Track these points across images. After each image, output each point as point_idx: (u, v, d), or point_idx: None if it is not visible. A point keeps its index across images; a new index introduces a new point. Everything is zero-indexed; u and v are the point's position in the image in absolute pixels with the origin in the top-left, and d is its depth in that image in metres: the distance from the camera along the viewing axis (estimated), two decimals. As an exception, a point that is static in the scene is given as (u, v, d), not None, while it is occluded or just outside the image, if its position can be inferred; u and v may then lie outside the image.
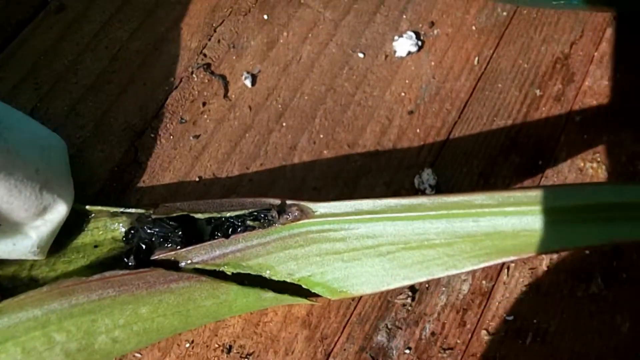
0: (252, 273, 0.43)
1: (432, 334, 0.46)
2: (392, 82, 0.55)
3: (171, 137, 0.53)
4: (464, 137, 0.53)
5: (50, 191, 0.43)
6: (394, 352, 0.46)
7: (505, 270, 0.48)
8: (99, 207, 0.46)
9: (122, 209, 0.46)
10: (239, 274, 0.44)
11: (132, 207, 0.46)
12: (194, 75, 0.55)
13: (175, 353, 0.45)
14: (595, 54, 0.56)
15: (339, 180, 0.51)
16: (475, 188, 0.51)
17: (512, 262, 0.48)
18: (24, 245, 0.43)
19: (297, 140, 0.53)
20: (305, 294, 0.44)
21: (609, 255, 0.48)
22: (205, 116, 0.53)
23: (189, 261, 0.43)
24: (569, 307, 0.47)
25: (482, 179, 0.51)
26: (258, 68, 0.55)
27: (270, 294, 0.43)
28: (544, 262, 0.48)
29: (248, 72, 0.55)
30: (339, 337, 0.46)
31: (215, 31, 0.57)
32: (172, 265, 0.43)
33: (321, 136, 0.53)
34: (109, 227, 0.46)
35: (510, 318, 0.47)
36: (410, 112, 0.54)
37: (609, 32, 0.57)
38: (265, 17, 0.58)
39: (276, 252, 0.43)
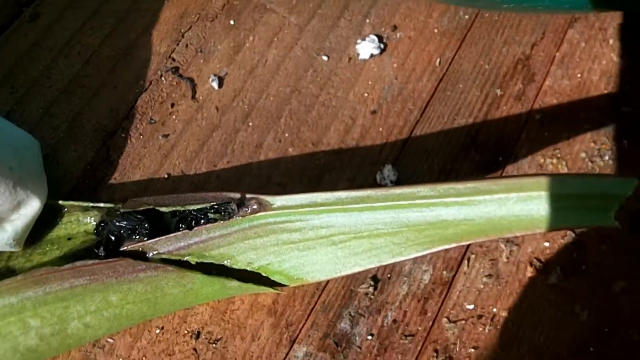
0: (215, 262, 0.47)
1: (394, 321, 0.50)
2: (355, 83, 0.59)
3: (141, 136, 0.57)
4: (425, 135, 0.57)
5: (24, 187, 0.47)
6: (357, 338, 0.49)
7: (466, 261, 0.51)
8: (71, 202, 0.50)
9: (92, 204, 0.50)
10: (206, 265, 0.48)
11: (102, 202, 0.50)
12: (162, 79, 0.59)
13: (146, 338, 0.49)
14: (557, 54, 0.60)
15: (304, 177, 0.55)
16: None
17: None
18: (0, 238, 0.47)
19: (263, 139, 0.57)
20: (269, 283, 0.48)
21: (569, 248, 0.52)
22: (174, 117, 0.58)
23: (155, 252, 0.48)
24: (528, 296, 0.50)
25: (442, 175, 0.55)
26: (225, 71, 0.60)
27: (234, 283, 0.47)
28: (504, 254, 0.52)
29: (215, 75, 0.59)
30: (304, 324, 0.50)
31: (183, 36, 0.62)
32: (140, 256, 0.47)
33: (286, 135, 0.57)
34: (81, 221, 0.50)
35: (471, 307, 0.50)
36: (373, 112, 0.58)
37: (570, 33, 0.61)
38: (232, 22, 0.62)
39: (237, 242, 0.47)
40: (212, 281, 0.47)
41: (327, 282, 0.51)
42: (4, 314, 0.45)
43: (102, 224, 0.49)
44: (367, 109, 0.58)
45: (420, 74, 0.60)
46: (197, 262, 0.48)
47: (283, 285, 0.48)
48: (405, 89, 0.59)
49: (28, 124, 0.57)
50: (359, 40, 0.61)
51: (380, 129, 0.57)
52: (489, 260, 0.52)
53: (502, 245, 0.52)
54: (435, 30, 0.62)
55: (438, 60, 0.60)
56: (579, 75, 0.59)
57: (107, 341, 0.49)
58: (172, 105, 0.58)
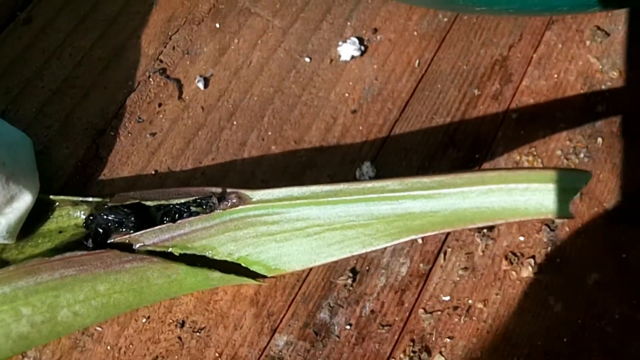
0: (197, 253, 0.50)
1: (372, 312, 0.52)
2: (336, 84, 0.62)
3: (129, 134, 0.60)
4: (404, 134, 0.59)
5: (17, 182, 0.50)
6: (336, 327, 0.51)
7: (443, 254, 0.53)
8: (62, 197, 0.53)
9: (82, 198, 0.52)
10: (190, 257, 0.50)
11: (91, 197, 0.53)
12: (150, 79, 0.62)
13: (132, 327, 0.52)
14: (534, 55, 0.62)
15: (286, 174, 0.57)
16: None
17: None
18: (-6, 231, 0.50)
19: (247, 137, 0.59)
20: (250, 274, 0.50)
21: (544, 242, 0.54)
22: (161, 116, 0.61)
23: (141, 244, 0.50)
24: (503, 288, 0.52)
25: (420, 172, 0.57)
26: (210, 72, 0.63)
27: (217, 274, 0.49)
28: (480, 247, 0.53)
29: (201, 76, 0.62)
30: (285, 314, 0.52)
31: (170, 39, 0.64)
32: (126, 248, 0.50)
33: (269, 133, 0.60)
34: (72, 215, 0.53)
35: (447, 298, 0.52)
36: (354, 111, 0.60)
37: (548, 35, 0.63)
38: (218, 25, 0.65)
39: (218, 234, 0.50)
40: (196, 272, 0.50)
41: (308, 274, 0.53)
42: (-3, 303, 0.47)
43: (91, 218, 0.52)
44: (348, 109, 0.60)
45: (399, 75, 0.62)
46: (180, 254, 0.50)
47: (263, 276, 0.51)
48: (385, 89, 0.61)
49: (22, 123, 0.59)
50: (340, 43, 0.63)
51: (361, 128, 0.59)
52: (465, 254, 0.54)
53: (478, 240, 0.54)
54: (415, 33, 0.64)
55: (417, 61, 0.63)
56: (555, 75, 0.61)
57: (95, 329, 0.52)
58: (160, 104, 0.61)
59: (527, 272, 0.53)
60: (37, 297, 0.49)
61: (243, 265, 0.51)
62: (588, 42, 0.64)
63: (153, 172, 0.58)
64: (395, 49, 0.64)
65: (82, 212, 0.53)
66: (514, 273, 0.53)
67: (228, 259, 0.50)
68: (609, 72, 0.62)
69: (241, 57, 0.64)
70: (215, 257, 0.50)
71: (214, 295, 0.53)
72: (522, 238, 0.54)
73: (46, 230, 0.53)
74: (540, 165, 0.57)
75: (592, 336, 0.51)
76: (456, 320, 0.52)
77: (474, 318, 0.52)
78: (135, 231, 0.51)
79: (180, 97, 0.62)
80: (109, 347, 0.52)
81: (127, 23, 0.66)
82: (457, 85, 0.62)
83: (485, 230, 0.55)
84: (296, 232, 0.50)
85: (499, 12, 0.59)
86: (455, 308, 0.52)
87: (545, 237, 0.55)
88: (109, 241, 0.51)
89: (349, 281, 0.53)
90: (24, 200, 0.51)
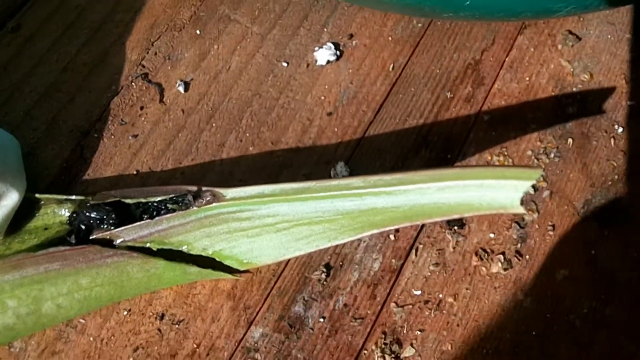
0: (174, 248, 0.52)
1: (345, 305, 0.54)
2: (313, 87, 0.64)
3: (112, 136, 0.62)
4: (378, 135, 0.61)
5: (4, 181, 0.52)
6: (310, 320, 0.53)
7: (414, 250, 0.55)
8: (47, 196, 0.55)
9: (66, 197, 0.55)
10: (168, 252, 0.53)
11: (75, 195, 0.55)
12: (133, 84, 0.65)
13: (114, 319, 0.54)
14: (506, 59, 0.65)
15: (263, 174, 0.60)
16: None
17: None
18: (-19, 228, 0.52)
19: (226, 138, 0.62)
20: (226, 269, 0.53)
21: (513, 239, 0.56)
22: (143, 118, 0.63)
23: (121, 240, 0.53)
24: (473, 283, 0.54)
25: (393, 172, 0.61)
26: (191, 76, 0.65)
27: (194, 269, 0.52)
28: (451, 244, 0.56)
29: (182, 80, 0.65)
30: (261, 308, 0.54)
31: (152, 45, 0.67)
32: (107, 243, 0.53)
33: (247, 135, 0.62)
34: (56, 213, 0.55)
35: (418, 292, 0.53)
36: (329, 114, 0.63)
37: (520, 39, 0.66)
38: (198, 32, 0.68)
39: (193, 230, 0.52)
40: (174, 267, 0.53)
41: (283, 269, 0.56)
42: (-16, 296, 0.50)
43: (74, 215, 0.54)
44: (324, 111, 0.63)
45: (374, 79, 0.65)
46: (158, 249, 0.53)
47: (238, 271, 0.54)
48: (360, 92, 0.64)
49: (10, 125, 0.62)
50: (316, 48, 0.66)
51: (336, 129, 0.62)
52: (436, 250, 0.56)
53: (449, 236, 0.56)
54: (390, 38, 0.67)
55: (392, 65, 0.65)
56: (527, 78, 0.64)
57: (79, 321, 0.54)
58: (142, 108, 0.64)
59: (496, 267, 0.55)
60: (22, 290, 0.51)
61: (217, 259, 0.54)
62: (560, 46, 0.66)
63: (135, 172, 0.61)
64: (370, 54, 0.66)
65: (67, 210, 0.56)
66: (484, 269, 0.55)
67: (203, 254, 0.53)
68: (580, 74, 0.65)
69: (221, 62, 0.67)
70: (191, 252, 0.53)
71: (193, 289, 0.55)
72: (492, 235, 0.57)
73: (32, 227, 0.56)
74: (511, 164, 0.59)
75: (560, 330, 0.53)
76: (427, 313, 0.54)
77: (444, 312, 0.54)
78: (115, 228, 0.53)
79: (161, 101, 0.65)
80: (91, 338, 0.54)
81: (112, 30, 0.69)
82: (430, 88, 0.64)
83: (456, 228, 0.57)
84: (267, 227, 0.52)
85: (466, 18, 0.62)
86: (427, 302, 0.54)
87: (515, 234, 0.57)
88: (91, 237, 0.54)
89: (323, 276, 0.55)
90: (12, 199, 0.54)
